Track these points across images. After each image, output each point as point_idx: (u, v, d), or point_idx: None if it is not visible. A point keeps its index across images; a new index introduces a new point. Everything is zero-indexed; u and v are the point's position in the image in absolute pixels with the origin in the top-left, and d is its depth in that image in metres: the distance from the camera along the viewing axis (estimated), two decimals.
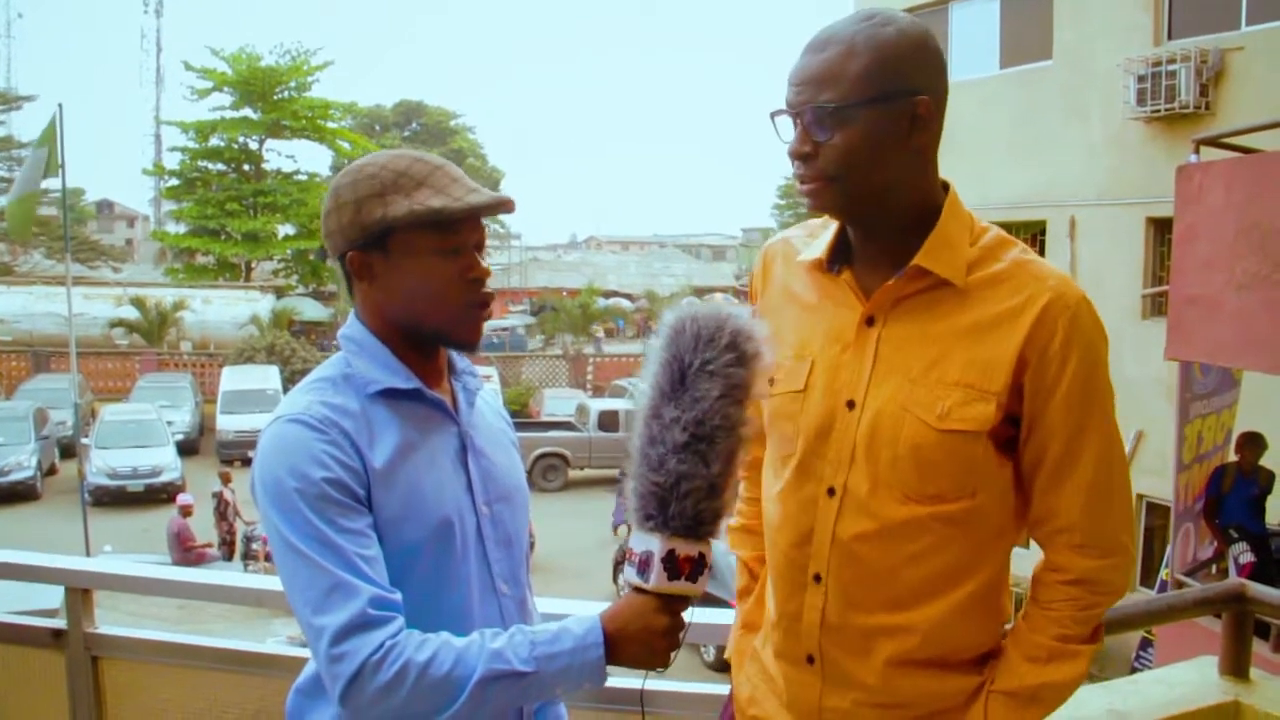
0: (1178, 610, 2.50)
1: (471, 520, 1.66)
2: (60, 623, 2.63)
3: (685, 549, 1.52)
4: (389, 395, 1.62)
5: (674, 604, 1.55)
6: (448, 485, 1.64)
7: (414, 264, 1.61)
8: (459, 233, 1.62)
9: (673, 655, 1.58)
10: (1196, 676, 2.53)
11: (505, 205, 1.65)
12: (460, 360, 1.77)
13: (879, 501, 1.59)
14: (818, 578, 1.65)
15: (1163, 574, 9.10)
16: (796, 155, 1.59)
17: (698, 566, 1.53)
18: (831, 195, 1.59)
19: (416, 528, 1.58)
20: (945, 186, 1.66)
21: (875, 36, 1.55)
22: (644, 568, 1.53)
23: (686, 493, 1.50)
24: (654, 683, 2.30)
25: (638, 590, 1.55)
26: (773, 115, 1.63)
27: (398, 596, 1.50)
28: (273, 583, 2.75)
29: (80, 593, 2.60)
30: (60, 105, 12.03)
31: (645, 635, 1.53)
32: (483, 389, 1.80)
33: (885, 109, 1.55)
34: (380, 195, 1.59)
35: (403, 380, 1.63)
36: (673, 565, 1.51)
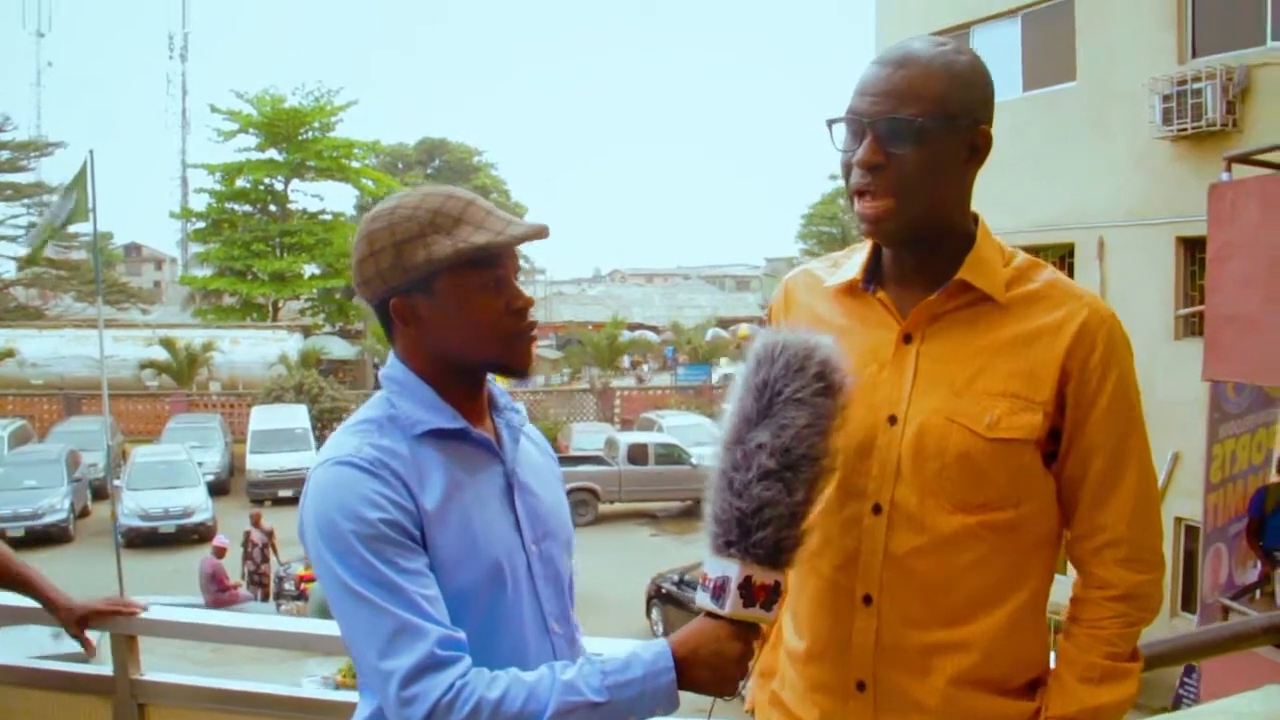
0: (1244, 638, 2.44)
1: (521, 559, 1.64)
2: (106, 669, 2.61)
3: (762, 576, 1.50)
4: (435, 435, 1.60)
5: (746, 631, 1.53)
6: (497, 525, 1.62)
7: (461, 302, 1.59)
8: (501, 265, 1.61)
9: (741, 684, 1.55)
10: (1263, 706, 2.48)
11: (541, 232, 1.63)
12: (502, 396, 1.75)
13: (928, 513, 1.61)
14: (868, 599, 1.65)
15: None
16: (866, 164, 1.60)
17: (773, 594, 1.51)
18: (893, 210, 1.61)
19: (470, 569, 1.55)
20: (975, 218, 1.71)
21: (953, 63, 1.61)
22: (719, 593, 1.51)
23: (769, 520, 1.48)
24: None
25: (710, 615, 1.53)
26: (831, 122, 1.67)
27: (463, 635, 1.48)
28: (317, 627, 2.73)
29: (126, 639, 2.58)
30: (91, 152, 12.16)
31: (716, 661, 1.51)
32: (526, 425, 1.78)
33: (956, 132, 1.60)
34: (420, 236, 1.57)
35: (448, 420, 1.61)
36: (749, 592, 1.50)
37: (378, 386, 1.68)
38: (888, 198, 1.60)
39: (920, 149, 1.57)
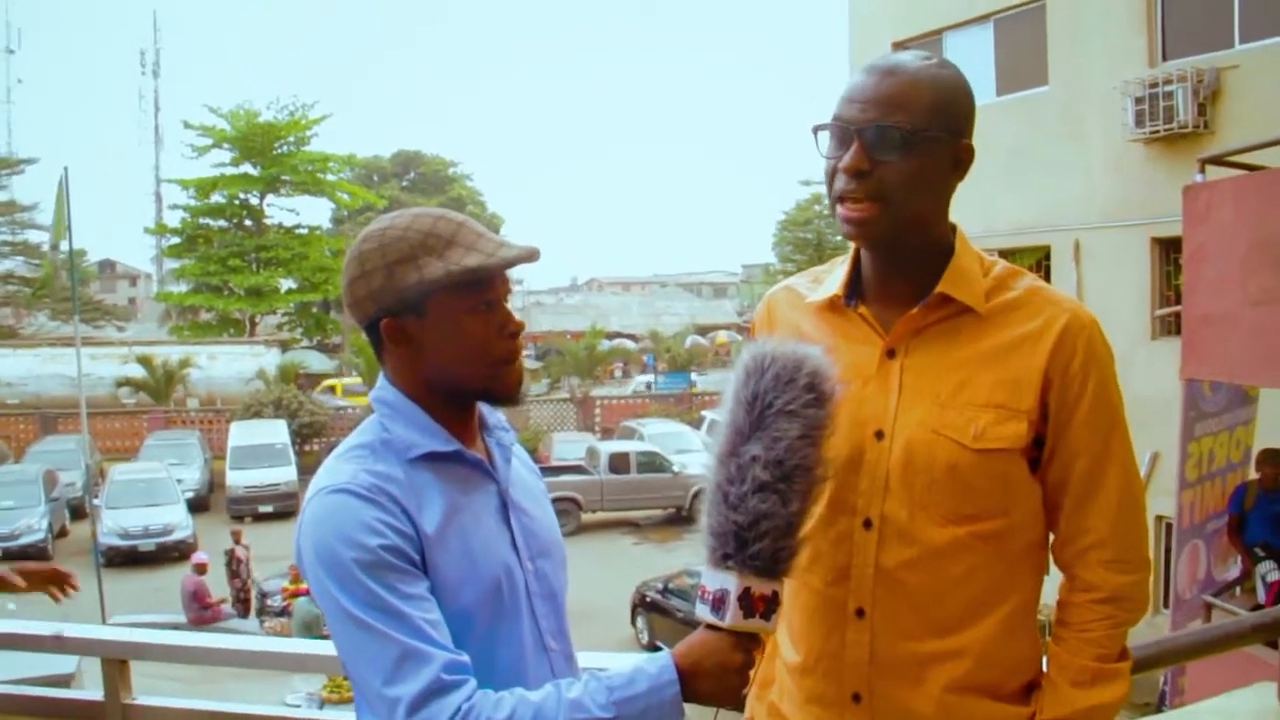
0: (1234, 638, 2.45)
1: (519, 577, 1.64)
2: (97, 695, 2.59)
3: (760, 587, 1.51)
4: (430, 458, 1.60)
5: (747, 641, 1.54)
6: (494, 544, 1.62)
7: (451, 323, 1.59)
8: (493, 287, 1.61)
9: (744, 692, 1.57)
10: (1257, 704, 2.50)
11: (532, 255, 1.63)
12: (491, 416, 1.76)
13: (919, 526, 1.63)
14: (860, 612, 1.66)
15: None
16: (851, 171, 1.62)
17: (772, 604, 1.52)
18: (878, 217, 1.63)
19: (471, 590, 1.56)
20: (953, 227, 1.72)
21: (940, 76, 1.63)
22: (718, 605, 1.52)
23: (765, 531, 1.49)
24: None
25: (711, 627, 1.53)
26: (817, 128, 1.68)
27: (466, 658, 1.48)
28: (308, 647, 2.72)
29: (117, 664, 2.56)
30: (65, 169, 12.08)
31: (719, 672, 1.51)
32: (515, 444, 1.79)
33: (941, 144, 1.61)
34: (412, 258, 1.57)
35: (442, 443, 1.61)
36: (748, 603, 1.50)
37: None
38: (872, 203, 1.61)
39: (907, 158, 1.59)
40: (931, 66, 1.63)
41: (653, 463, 24.04)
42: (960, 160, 1.65)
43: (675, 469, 23.79)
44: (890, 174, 1.60)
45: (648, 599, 15.69)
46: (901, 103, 1.59)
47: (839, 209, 1.65)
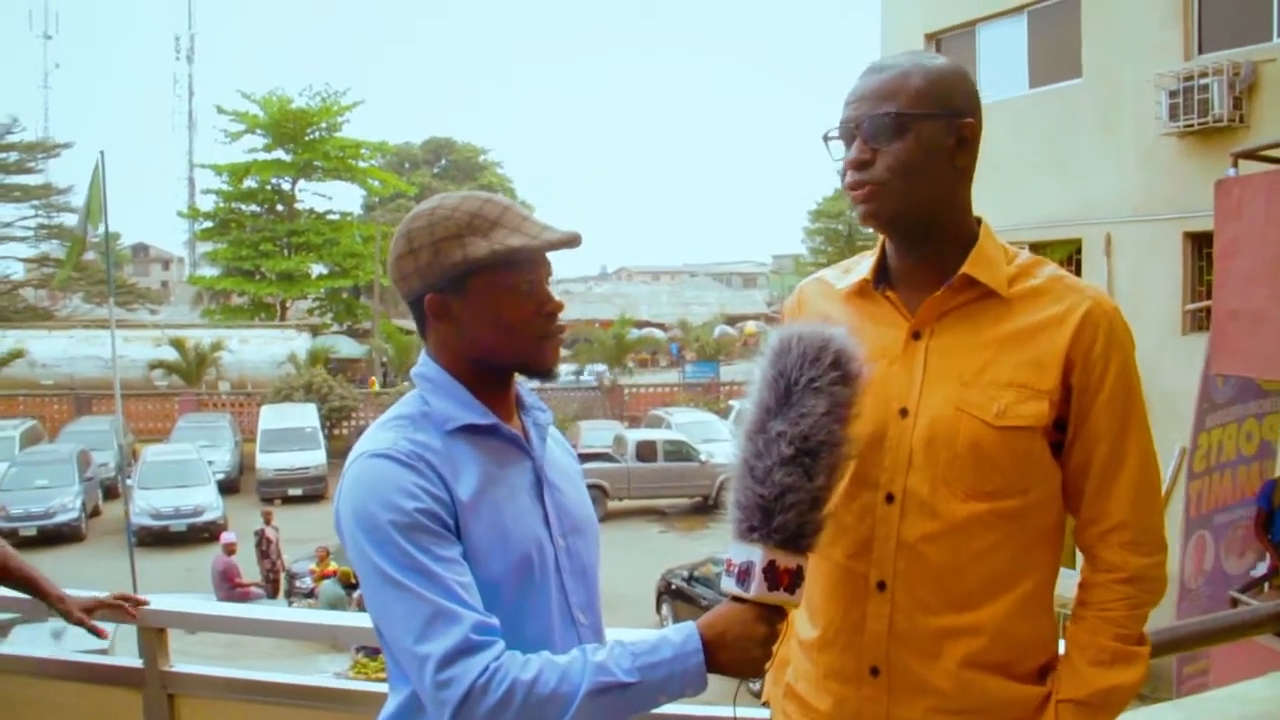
0: (1251, 626, 2.48)
1: (550, 552, 1.68)
2: (136, 661, 2.66)
3: (786, 560, 1.55)
4: (467, 431, 1.65)
5: (771, 614, 1.57)
6: (526, 518, 1.66)
7: (493, 302, 1.64)
8: (535, 268, 1.66)
9: (767, 665, 1.60)
10: (1271, 693, 2.51)
11: (575, 240, 1.68)
12: (528, 395, 1.80)
13: (941, 501, 1.65)
14: (881, 585, 1.69)
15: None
16: (854, 164, 1.69)
17: (796, 578, 1.56)
18: (884, 201, 1.69)
19: (500, 559, 1.60)
20: (978, 219, 1.76)
21: (929, 64, 1.70)
22: (744, 578, 1.56)
23: (791, 505, 1.53)
24: (687, 708, 2.31)
25: (736, 599, 1.57)
26: (825, 137, 1.75)
27: (496, 621, 1.52)
28: (343, 619, 2.78)
29: (155, 632, 2.63)
30: (101, 153, 12.21)
31: (743, 643, 1.55)
32: (551, 424, 1.83)
33: (937, 124, 1.67)
34: (458, 237, 1.62)
35: (480, 416, 1.66)
36: (773, 576, 1.54)
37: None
38: (877, 188, 1.67)
39: (904, 140, 1.65)
40: (920, 55, 1.72)
41: (680, 451, 24.06)
42: (964, 138, 1.69)
43: (702, 458, 23.77)
44: (888, 159, 1.66)
45: (673, 587, 15.72)
46: (891, 92, 1.66)
47: (852, 201, 1.71)
